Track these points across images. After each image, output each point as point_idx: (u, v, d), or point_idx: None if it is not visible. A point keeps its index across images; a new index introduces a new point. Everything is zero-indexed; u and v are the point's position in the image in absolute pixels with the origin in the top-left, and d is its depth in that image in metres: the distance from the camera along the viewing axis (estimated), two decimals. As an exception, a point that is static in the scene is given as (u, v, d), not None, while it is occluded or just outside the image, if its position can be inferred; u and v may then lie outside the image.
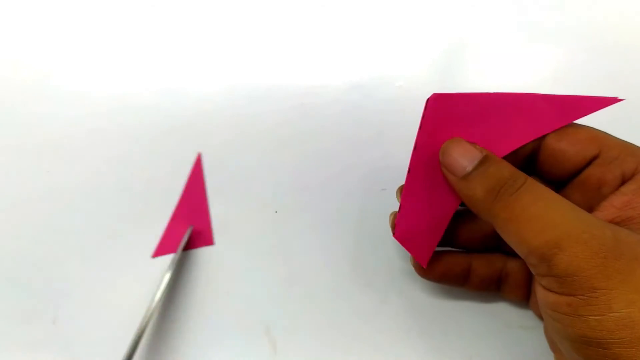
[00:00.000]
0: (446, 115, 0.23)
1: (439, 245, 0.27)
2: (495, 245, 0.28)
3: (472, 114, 0.23)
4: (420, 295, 0.33)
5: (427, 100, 0.23)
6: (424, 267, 0.27)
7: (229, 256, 0.35)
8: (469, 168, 0.22)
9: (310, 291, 0.34)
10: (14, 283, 0.35)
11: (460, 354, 0.34)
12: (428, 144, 0.24)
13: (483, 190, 0.21)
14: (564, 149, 0.23)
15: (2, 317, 0.35)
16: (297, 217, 0.34)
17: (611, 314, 0.18)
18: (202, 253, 0.35)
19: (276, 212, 0.35)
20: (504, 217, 0.20)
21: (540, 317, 0.27)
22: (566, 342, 0.20)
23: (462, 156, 0.22)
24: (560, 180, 0.24)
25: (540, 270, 0.20)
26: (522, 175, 0.21)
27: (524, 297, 0.28)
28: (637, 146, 0.23)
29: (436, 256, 0.27)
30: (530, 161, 0.25)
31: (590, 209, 0.22)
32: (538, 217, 0.19)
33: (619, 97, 0.23)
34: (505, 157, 0.24)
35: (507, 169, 0.21)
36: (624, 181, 0.22)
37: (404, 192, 0.25)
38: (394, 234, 0.26)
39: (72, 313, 0.35)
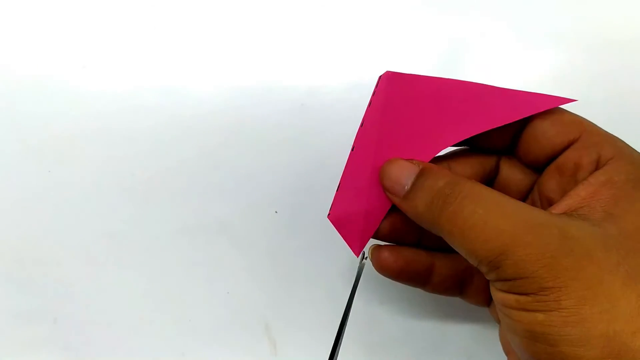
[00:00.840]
0: (398, 94, 0.23)
1: (399, 242, 0.26)
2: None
3: (424, 97, 0.23)
4: (419, 295, 0.33)
5: (380, 77, 0.23)
6: (356, 255, 0.26)
7: (229, 256, 0.35)
8: (408, 186, 0.22)
9: (310, 291, 0.34)
10: (14, 283, 0.35)
11: (459, 354, 0.34)
12: (376, 122, 0.23)
13: (424, 206, 0.21)
14: (546, 129, 0.23)
15: (2, 317, 0.35)
16: (297, 217, 0.34)
17: (560, 310, 0.17)
18: (201, 253, 0.35)
19: (276, 212, 0.35)
20: (448, 230, 0.20)
21: (498, 322, 0.26)
22: (516, 338, 0.19)
23: (400, 175, 0.22)
24: (538, 164, 0.24)
25: (491, 276, 0.20)
26: (459, 182, 0.21)
27: (485, 302, 0.27)
28: (619, 139, 0.22)
29: (396, 251, 0.26)
30: (513, 140, 0.24)
31: (564, 195, 0.22)
32: (480, 226, 0.19)
33: (574, 98, 0.23)
34: (491, 134, 0.23)
35: (443, 179, 0.21)
36: (598, 168, 0.21)
37: (345, 170, 0.24)
38: (328, 214, 0.25)
39: (72, 313, 0.35)
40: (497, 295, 0.20)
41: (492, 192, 0.20)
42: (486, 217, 0.19)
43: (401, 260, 0.26)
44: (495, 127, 0.23)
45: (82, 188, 0.35)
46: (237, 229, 0.35)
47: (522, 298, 0.18)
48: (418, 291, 0.32)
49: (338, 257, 0.34)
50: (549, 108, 0.23)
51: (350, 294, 0.26)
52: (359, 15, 0.36)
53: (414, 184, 0.22)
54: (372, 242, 0.26)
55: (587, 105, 0.35)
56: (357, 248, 0.25)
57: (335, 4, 0.36)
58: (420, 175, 0.22)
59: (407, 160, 0.23)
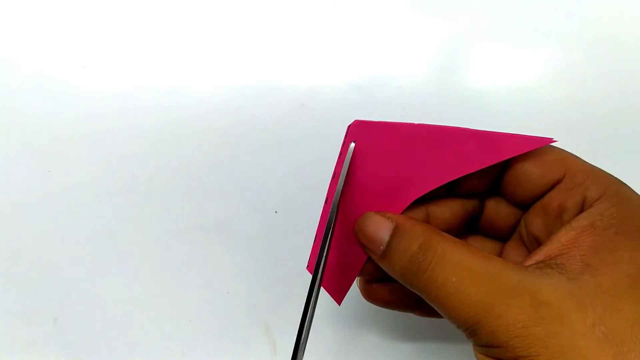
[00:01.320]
0: (368, 143, 0.22)
1: (384, 279, 0.25)
2: None
3: (396, 145, 0.22)
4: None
5: (349, 126, 0.23)
6: (338, 304, 0.25)
7: (229, 256, 0.35)
8: (384, 246, 0.21)
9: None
10: (15, 283, 0.35)
11: (459, 354, 0.34)
12: (348, 172, 0.23)
13: (399, 270, 0.21)
14: (529, 171, 0.22)
15: (2, 317, 0.35)
16: (297, 217, 0.34)
17: None
18: (201, 253, 0.35)
19: (276, 212, 0.35)
20: (425, 295, 0.20)
21: None
22: None
23: (375, 233, 0.22)
24: (524, 203, 0.24)
25: (470, 340, 0.20)
26: (432, 244, 0.20)
27: None
28: (605, 173, 0.21)
29: (384, 284, 0.26)
30: (495, 182, 0.24)
31: (550, 235, 0.22)
32: (454, 295, 0.19)
33: (553, 138, 0.21)
34: (474, 177, 0.23)
35: (417, 241, 0.21)
36: (583, 209, 0.21)
37: (320, 223, 0.24)
38: (307, 266, 0.24)
39: (72, 313, 0.35)
40: (477, 355, 0.20)
41: (465, 253, 0.20)
42: (459, 286, 0.19)
43: (389, 294, 0.26)
44: (470, 172, 0.22)
45: (82, 188, 0.35)
46: (237, 229, 0.35)
47: None
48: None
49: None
50: (526, 151, 0.22)
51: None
52: (359, 16, 0.36)
53: (388, 244, 0.21)
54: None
55: (587, 105, 0.35)
56: (338, 297, 0.25)
57: (335, 4, 0.36)
58: (394, 234, 0.21)
59: (381, 215, 0.22)
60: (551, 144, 0.22)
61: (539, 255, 0.20)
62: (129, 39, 0.36)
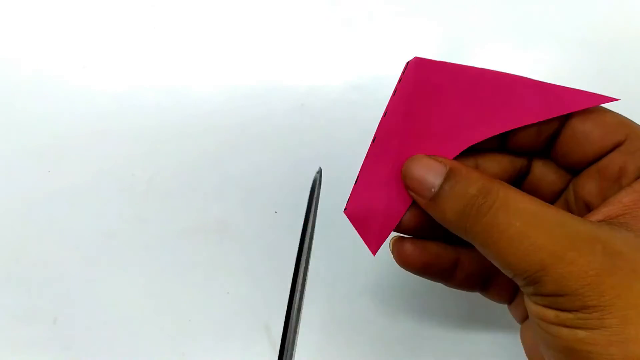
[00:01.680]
0: (425, 83, 0.21)
1: (422, 236, 0.24)
2: None
3: (453, 87, 0.21)
4: (421, 295, 0.33)
5: (407, 63, 0.21)
6: (373, 254, 0.23)
7: (229, 256, 0.35)
8: (435, 189, 0.20)
9: (310, 291, 0.34)
10: (14, 283, 0.35)
11: (459, 354, 0.34)
12: (401, 112, 0.21)
13: (453, 214, 0.20)
14: (589, 131, 0.21)
15: (2, 317, 0.35)
16: (297, 217, 0.34)
17: (603, 329, 0.17)
18: (201, 253, 0.35)
19: (276, 212, 0.35)
20: (482, 242, 0.19)
21: (519, 320, 0.26)
22: (551, 352, 0.19)
23: (426, 176, 0.20)
24: (577, 167, 0.22)
25: (528, 290, 0.19)
26: (493, 188, 0.19)
27: (508, 300, 0.26)
28: None
29: (420, 245, 0.24)
30: (549, 141, 0.23)
31: (604, 200, 0.21)
32: (517, 240, 0.18)
33: (616, 97, 0.21)
34: (529, 132, 0.22)
35: (475, 185, 0.19)
36: None
37: (365, 162, 0.22)
38: (344, 209, 0.23)
39: (72, 313, 0.35)
40: (533, 308, 0.19)
41: (529, 201, 0.19)
42: (524, 231, 0.18)
43: (426, 256, 0.24)
44: (529, 123, 0.21)
45: (82, 188, 0.35)
46: (237, 229, 0.35)
47: (562, 314, 0.18)
48: (420, 291, 0.32)
49: (338, 257, 0.34)
50: (589, 106, 0.21)
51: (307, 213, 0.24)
52: (359, 16, 0.36)
53: (442, 188, 0.20)
54: (393, 233, 0.25)
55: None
56: (374, 246, 0.23)
57: (335, 4, 0.36)
58: (449, 177, 0.20)
59: (432, 157, 0.21)
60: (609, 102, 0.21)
61: (599, 214, 0.19)
62: (129, 39, 0.36)
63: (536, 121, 0.21)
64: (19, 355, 0.35)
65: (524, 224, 0.18)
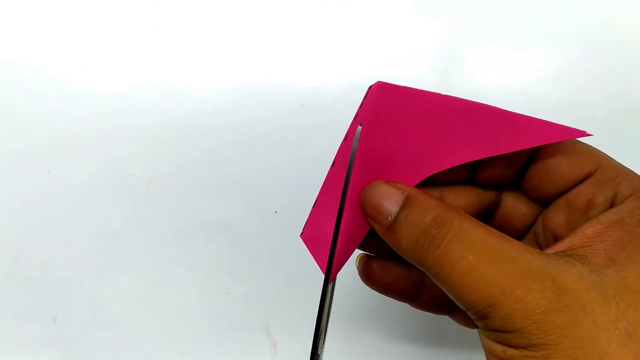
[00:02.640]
0: (388, 108, 0.20)
1: (388, 256, 0.24)
2: None
3: (417, 113, 0.20)
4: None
5: (370, 87, 0.21)
6: (329, 281, 0.22)
7: (229, 256, 0.35)
8: (392, 216, 0.20)
9: (310, 291, 0.34)
10: (15, 283, 0.35)
11: (460, 354, 0.35)
12: (362, 136, 0.20)
13: (408, 243, 0.19)
14: (559, 162, 0.21)
15: (2, 317, 0.35)
16: (297, 217, 0.34)
17: None
18: (201, 253, 0.35)
19: (276, 212, 0.35)
20: (434, 274, 0.19)
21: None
22: None
23: (382, 203, 0.20)
24: (547, 199, 0.22)
25: (479, 323, 0.19)
26: (448, 218, 0.19)
27: (475, 325, 0.26)
28: (635, 173, 0.20)
29: (385, 264, 0.24)
30: (519, 174, 0.22)
31: (572, 231, 0.20)
32: (469, 274, 0.18)
33: (588, 132, 0.20)
34: (498, 165, 0.21)
35: (430, 214, 0.19)
36: (613, 206, 0.20)
37: (323, 187, 0.22)
38: (301, 233, 0.22)
39: (72, 313, 0.35)
40: (484, 341, 0.19)
41: (484, 232, 0.19)
42: (475, 265, 0.18)
43: (389, 276, 0.24)
44: (495, 154, 0.20)
45: (82, 188, 0.35)
46: (237, 229, 0.35)
47: (509, 350, 0.18)
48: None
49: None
50: (561, 140, 0.20)
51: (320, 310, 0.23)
52: (359, 16, 0.36)
53: (397, 216, 0.20)
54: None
55: (587, 105, 0.35)
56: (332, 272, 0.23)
57: (335, 4, 0.36)
58: (405, 205, 0.20)
59: (390, 184, 0.20)
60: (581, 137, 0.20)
61: (560, 245, 0.19)
62: (129, 39, 0.36)
63: (503, 152, 0.20)
64: (19, 355, 0.35)
65: (475, 258, 0.18)
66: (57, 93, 0.36)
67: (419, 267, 0.20)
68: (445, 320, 0.32)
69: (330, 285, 0.22)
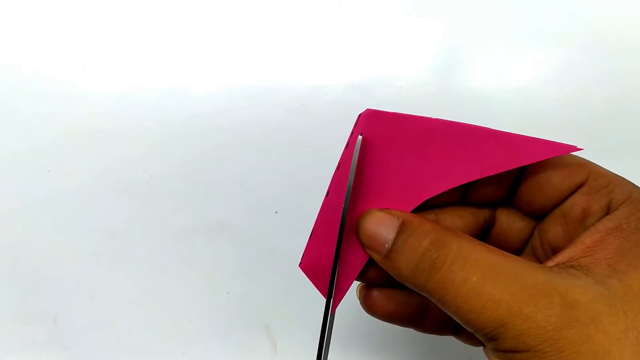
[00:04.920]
0: (379, 135, 0.20)
1: (388, 285, 0.24)
2: None
3: (408, 139, 0.20)
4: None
5: (359, 115, 0.21)
6: (331, 312, 0.23)
7: (229, 256, 0.35)
8: (389, 245, 0.19)
9: (311, 291, 0.34)
10: (15, 283, 0.35)
11: (460, 353, 0.35)
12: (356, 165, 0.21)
13: (408, 270, 0.19)
14: (549, 175, 0.21)
15: (2, 317, 0.35)
16: (297, 217, 0.34)
17: None
18: (201, 253, 0.35)
19: (276, 212, 0.35)
20: (438, 298, 0.18)
21: None
22: None
23: (378, 231, 0.20)
24: (541, 213, 0.22)
25: (488, 345, 0.18)
26: (446, 240, 0.19)
27: (480, 343, 0.26)
28: (628, 181, 0.20)
29: (387, 293, 0.24)
30: (511, 190, 0.22)
31: (570, 242, 0.20)
32: (474, 296, 0.17)
33: (578, 147, 0.20)
34: (490, 184, 0.21)
35: (428, 237, 0.19)
36: (609, 213, 0.20)
37: (319, 216, 0.22)
38: (300, 263, 0.23)
39: (72, 313, 0.35)
40: None
41: (486, 251, 0.18)
42: (480, 286, 0.17)
43: (392, 304, 0.24)
44: (488, 175, 0.20)
45: (82, 188, 0.35)
46: (237, 229, 0.35)
47: None
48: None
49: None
50: (551, 157, 0.20)
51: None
52: (359, 16, 0.36)
53: (394, 243, 0.19)
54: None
55: (586, 105, 0.35)
56: (334, 301, 0.23)
57: (335, 4, 0.36)
58: (401, 231, 0.19)
59: (385, 212, 0.20)
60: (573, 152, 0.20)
61: (561, 257, 0.19)
62: (129, 39, 0.36)
63: (496, 172, 0.20)
64: (19, 355, 0.35)
65: (479, 279, 0.18)
66: (57, 93, 0.36)
67: (421, 293, 0.19)
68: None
69: (330, 318, 0.22)
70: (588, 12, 0.36)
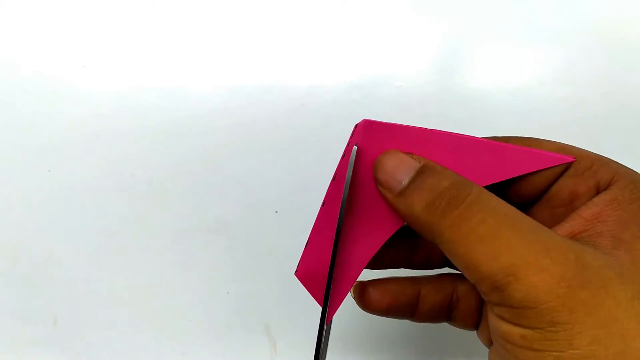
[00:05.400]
0: (375, 145, 0.21)
1: (379, 269, 0.24)
2: (441, 261, 0.25)
3: (404, 149, 0.21)
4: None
5: (356, 126, 0.21)
6: (326, 322, 0.23)
7: (229, 256, 0.35)
8: (405, 182, 0.19)
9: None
10: (15, 283, 0.35)
11: (460, 353, 0.35)
12: (350, 175, 0.21)
13: (422, 206, 0.18)
14: None
15: (2, 317, 0.35)
16: (297, 217, 0.34)
17: (572, 351, 0.16)
18: (201, 253, 0.35)
19: (276, 212, 0.35)
20: (449, 238, 0.18)
21: (487, 345, 0.24)
22: None
23: (397, 169, 0.20)
24: (529, 200, 0.22)
25: (493, 298, 0.17)
26: (467, 185, 0.18)
27: (473, 326, 0.25)
28: (609, 158, 0.20)
29: (381, 287, 0.24)
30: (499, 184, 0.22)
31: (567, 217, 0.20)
32: (489, 239, 0.17)
33: (572, 158, 0.20)
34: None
35: (449, 179, 0.19)
36: (598, 193, 0.19)
37: (314, 226, 0.22)
38: (295, 271, 0.23)
39: (72, 313, 0.35)
40: (498, 325, 0.18)
41: (503, 202, 0.18)
42: (497, 230, 0.17)
43: (388, 297, 0.24)
44: (482, 185, 0.20)
45: (82, 188, 0.35)
46: (237, 229, 0.35)
47: (528, 333, 0.16)
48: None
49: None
50: (544, 167, 0.20)
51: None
52: (359, 15, 0.36)
53: (412, 180, 0.19)
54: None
55: (586, 105, 0.35)
56: (329, 309, 0.23)
57: (335, 4, 0.36)
58: (422, 171, 0.19)
59: (407, 154, 0.20)
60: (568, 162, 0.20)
61: (562, 231, 0.19)
62: (128, 39, 0.36)
63: (489, 183, 0.20)
64: (19, 355, 0.35)
65: (497, 222, 0.17)
66: (57, 93, 0.36)
67: (430, 236, 0.19)
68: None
69: (327, 327, 0.22)
70: (588, 12, 0.36)
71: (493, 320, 0.18)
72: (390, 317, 0.25)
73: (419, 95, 0.35)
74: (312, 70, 0.35)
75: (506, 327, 0.17)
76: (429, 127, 0.21)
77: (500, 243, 0.17)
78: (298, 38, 0.36)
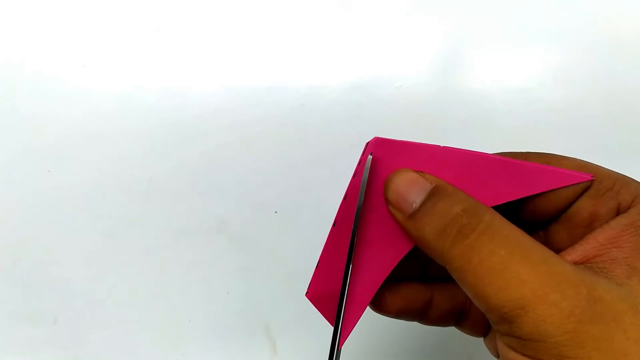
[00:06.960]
0: (387, 164, 0.20)
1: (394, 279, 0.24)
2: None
3: (417, 167, 0.20)
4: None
5: (367, 143, 0.21)
6: (340, 345, 0.22)
7: (229, 256, 0.35)
8: (417, 204, 0.19)
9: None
10: (15, 283, 0.35)
11: (460, 353, 0.35)
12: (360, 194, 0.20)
13: (432, 232, 0.18)
14: None
15: (3, 317, 0.35)
16: (297, 217, 0.34)
17: None
18: (201, 253, 0.35)
19: (276, 212, 0.35)
20: (458, 267, 0.17)
21: (494, 354, 0.24)
22: None
23: (408, 190, 0.19)
24: (546, 218, 0.21)
25: (501, 328, 0.17)
26: (479, 211, 0.18)
27: (482, 333, 0.25)
28: (630, 178, 0.20)
29: (394, 290, 0.23)
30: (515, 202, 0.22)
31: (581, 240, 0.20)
32: (499, 271, 0.17)
33: (591, 176, 0.20)
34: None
35: (460, 204, 0.18)
36: (619, 214, 0.19)
37: (325, 246, 0.21)
38: (306, 292, 0.22)
39: (72, 313, 0.35)
40: (506, 353, 0.18)
41: (515, 230, 0.18)
42: (507, 261, 0.17)
43: (400, 301, 0.23)
44: (498, 204, 0.20)
45: (81, 188, 0.35)
46: (237, 229, 0.35)
47: None
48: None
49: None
50: (561, 186, 0.20)
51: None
52: (359, 16, 0.36)
53: (423, 204, 0.19)
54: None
55: (586, 105, 0.35)
56: (343, 332, 0.22)
57: (334, 4, 0.36)
58: (433, 194, 0.19)
59: (418, 173, 0.20)
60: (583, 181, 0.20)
61: (575, 255, 0.19)
62: (128, 39, 0.36)
63: (505, 201, 0.20)
64: (19, 355, 0.35)
65: (508, 254, 0.17)
66: (57, 93, 0.36)
67: (440, 261, 0.19)
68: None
69: (337, 352, 0.22)
70: (588, 12, 0.36)
71: (501, 346, 0.18)
72: (400, 320, 0.24)
73: (419, 96, 0.35)
74: (312, 71, 0.35)
75: (514, 356, 0.17)
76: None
77: (510, 275, 0.16)
78: (298, 39, 0.36)
